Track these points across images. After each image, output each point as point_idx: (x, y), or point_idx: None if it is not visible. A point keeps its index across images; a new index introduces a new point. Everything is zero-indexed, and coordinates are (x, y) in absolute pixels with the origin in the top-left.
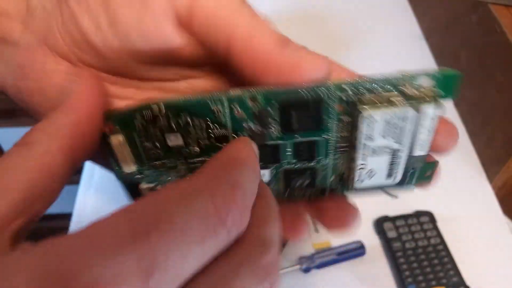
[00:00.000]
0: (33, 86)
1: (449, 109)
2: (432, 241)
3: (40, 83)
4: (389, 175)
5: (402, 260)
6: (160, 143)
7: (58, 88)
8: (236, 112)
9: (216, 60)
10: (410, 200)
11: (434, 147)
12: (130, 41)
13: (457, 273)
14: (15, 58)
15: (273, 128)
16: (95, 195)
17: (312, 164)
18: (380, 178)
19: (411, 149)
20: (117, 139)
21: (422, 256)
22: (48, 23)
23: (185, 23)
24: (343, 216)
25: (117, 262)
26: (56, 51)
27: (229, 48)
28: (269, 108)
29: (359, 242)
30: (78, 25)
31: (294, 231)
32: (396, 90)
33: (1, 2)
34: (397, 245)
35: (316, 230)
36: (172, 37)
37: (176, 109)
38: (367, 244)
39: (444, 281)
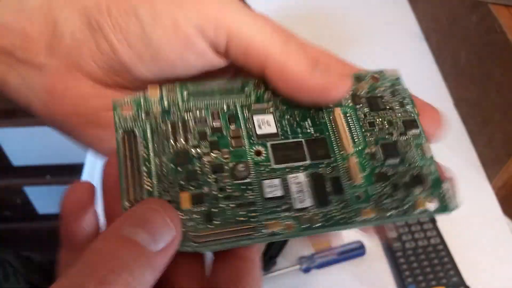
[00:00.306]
0: (70, 110)
1: (449, 109)
2: (432, 241)
3: (77, 107)
4: None
5: (402, 260)
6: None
7: (95, 110)
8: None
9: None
10: None
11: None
12: (173, 71)
13: (457, 273)
14: (43, 84)
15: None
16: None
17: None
18: None
19: None
20: None
21: (422, 256)
22: (78, 49)
23: (222, 52)
24: None
25: None
26: (89, 75)
27: (264, 72)
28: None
29: (359, 242)
30: (118, 56)
31: None
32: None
33: (25, 24)
34: (397, 245)
35: None
36: (214, 64)
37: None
38: (367, 244)
39: (444, 281)
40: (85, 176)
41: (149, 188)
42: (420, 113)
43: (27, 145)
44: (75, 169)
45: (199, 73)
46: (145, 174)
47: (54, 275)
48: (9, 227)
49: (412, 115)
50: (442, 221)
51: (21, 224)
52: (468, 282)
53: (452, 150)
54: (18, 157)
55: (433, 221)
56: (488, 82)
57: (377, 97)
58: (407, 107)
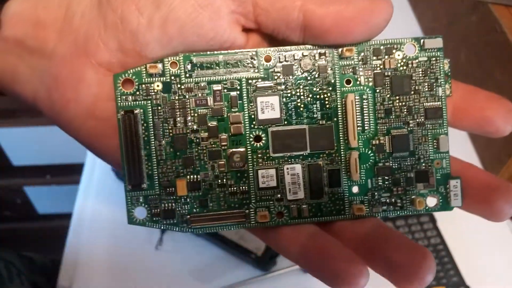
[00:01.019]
0: (70, 96)
1: None
2: (432, 241)
3: (77, 93)
4: None
5: None
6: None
7: (95, 99)
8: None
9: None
10: None
11: (490, 130)
12: (183, 40)
13: (457, 273)
14: (49, 69)
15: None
16: (95, 195)
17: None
18: None
19: None
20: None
21: None
22: (87, 30)
23: (251, 20)
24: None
25: None
26: (96, 58)
27: (306, 21)
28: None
29: None
30: (125, 24)
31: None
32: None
33: (40, 12)
34: None
35: None
36: (238, 39)
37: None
38: None
39: (444, 281)
40: (85, 176)
41: (148, 172)
42: (494, 107)
43: (27, 145)
44: (75, 169)
45: (214, 48)
46: (145, 158)
47: (56, 276)
48: (9, 227)
49: (441, 101)
50: (442, 221)
51: (21, 224)
52: (468, 282)
53: (452, 150)
54: (18, 157)
55: (433, 221)
56: (488, 82)
57: (404, 77)
58: (437, 90)
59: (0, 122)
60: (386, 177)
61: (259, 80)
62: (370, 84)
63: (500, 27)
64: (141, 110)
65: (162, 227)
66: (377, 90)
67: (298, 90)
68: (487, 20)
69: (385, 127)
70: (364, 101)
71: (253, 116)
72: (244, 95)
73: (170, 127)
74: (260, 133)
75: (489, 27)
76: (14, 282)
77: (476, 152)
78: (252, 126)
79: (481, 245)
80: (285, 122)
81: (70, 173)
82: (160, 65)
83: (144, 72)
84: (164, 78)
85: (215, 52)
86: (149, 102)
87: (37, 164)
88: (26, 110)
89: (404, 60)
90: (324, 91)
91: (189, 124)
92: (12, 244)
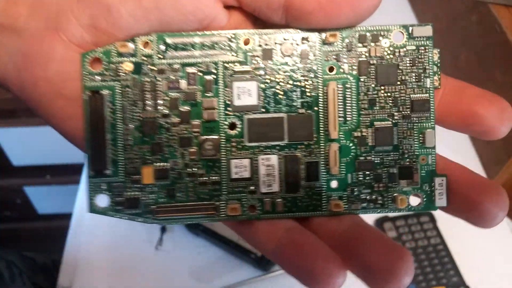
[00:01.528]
0: (39, 75)
1: None
2: (432, 241)
3: (46, 72)
4: None
5: None
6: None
7: (66, 77)
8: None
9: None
10: None
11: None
12: (160, 16)
13: (457, 273)
14: (19, 47)
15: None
16: None
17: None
18: None
19: None
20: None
21: (422, 256)
22: (59, 5)
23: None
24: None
25: None
26: (67, 34)
27: (288, 1)
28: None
29: None
30: None
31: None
32: None
33: None
34: None
35: None
36: (218, 16)
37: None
38: None
39: (444, 281)
40: (85, 176)
41: (113, 157)
42: (485, 104)
43: (27, 145)
44: (75, 169)
45: (193, 25)
46: (110, 142)
47: (57, 276)
48: (9, 227)
49: (428, 93)
50: (442, 221)
51: (21, 224)
52: (468, 282)
53: (452, 150)
54: (18, 157)
55: (433, 221)
56: (488, 82)
57: (390, 66)
58: (425, 81)
59: (0, 122)
60: (367, 172)
61: (237, 64)
62: (354, 72)
63: (500, 27)
64: (109, 92)
65: (125, 217)
66: (361, 79)
67: (277, 76)
68: (487, 20)
69: (368, 118)
70: (347, 90)
71: (228, 102)
72: (220, 79)
73: (139, 111)
74: (235, 120)
75: (489, 27)
76: (16, 282)
77: (476, 152)
78: (227, 112)
79: (481, 245)
80: (263, 110)
81: (70, 173)
82: (131, 44)
83: (114, 51)
84: (135, 59)
85: (191, 33)
86: (118, 83)
87: (37, 164)
88: (26, 110)
89: (391, 49)
90: (305, 78)
91: (160, 108)
92: (12, 244)
